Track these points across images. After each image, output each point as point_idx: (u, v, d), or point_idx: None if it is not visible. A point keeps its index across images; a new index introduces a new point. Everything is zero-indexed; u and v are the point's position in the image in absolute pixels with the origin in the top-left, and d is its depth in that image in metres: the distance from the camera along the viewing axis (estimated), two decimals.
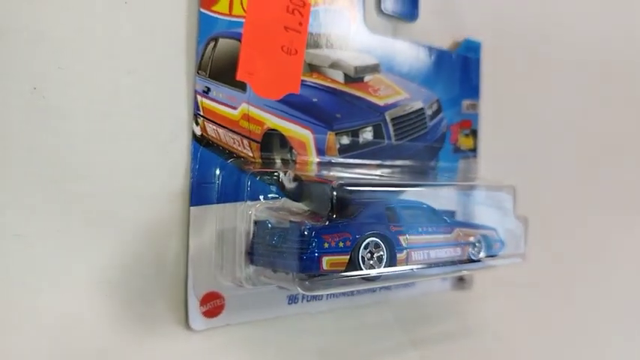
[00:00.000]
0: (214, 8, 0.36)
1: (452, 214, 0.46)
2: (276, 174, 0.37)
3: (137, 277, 0.35)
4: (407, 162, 0.47)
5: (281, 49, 0.39)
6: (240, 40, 0.37)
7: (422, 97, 0.48)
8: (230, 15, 0.36)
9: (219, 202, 0.37)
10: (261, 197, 0.37)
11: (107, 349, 0.33)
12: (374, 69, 0.45)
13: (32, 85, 0.30)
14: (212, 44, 0.36)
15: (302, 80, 0.40)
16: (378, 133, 0.45)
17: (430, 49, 0.48)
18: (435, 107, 0.49)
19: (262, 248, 0.35)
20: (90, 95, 0.32)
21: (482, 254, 0.42)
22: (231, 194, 0.37)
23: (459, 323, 0.48)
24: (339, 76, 0.43)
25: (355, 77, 0.43)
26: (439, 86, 0.49)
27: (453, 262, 0.40)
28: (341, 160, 0.42)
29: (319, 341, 0.41)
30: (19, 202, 0.31)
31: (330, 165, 0.42)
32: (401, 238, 0.36)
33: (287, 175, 0.36)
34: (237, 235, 0.36)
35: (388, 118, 0.45)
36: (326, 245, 0.32)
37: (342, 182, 0.33)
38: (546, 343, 0.50)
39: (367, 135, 0.44)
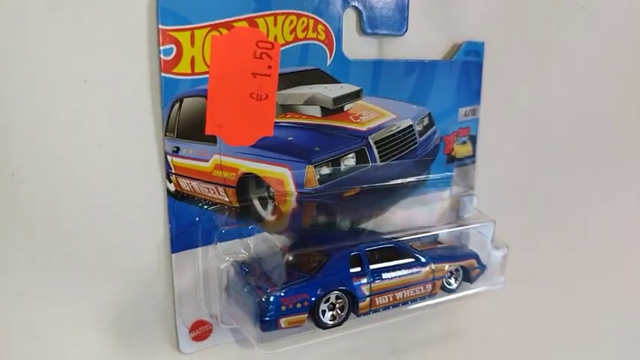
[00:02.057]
0: (175, 70, 0.35)
1: (434, 238, 0.46)
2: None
3: (131, 314, 0.39)
4: (391, 182, 0.46)
5: (250, 96, 0.38)
6: (205, 97, 0.37)
7: (411, 114, 0.46)
8: (193, 74, 0.36)
9: (199, 246, 0.39)
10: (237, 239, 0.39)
11: None
12: (355, 96, 0.43)
13: (10, 172, 0.33)
14: (177, 105, 0.36)
15: (275, 122, 0.40)
16: (361, 158, 0.44)
17: (418, 62, 0.45)
18: (426, 122, 0.47)
19: (235, 292, 0.38)
20: (65, 173, 0.34)
21: (455, 285, 0.43)
22: (209, 238, 0.39)
23: (446, 326, 0.50)
24: (315, 110, 0.41)
25: (334, 108, 0.42)
26: (431, 99, 0.46)
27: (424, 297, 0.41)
28: (320, 188, 0.43)
29: (303, 355, 0.44)
30: (20, 265, 0.35)
31: (308, 197, 0.42)
32: (363, 287, 0.37)
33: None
34: (215, 276, 0.39)
35: (372, 142, 0.44)
36: (283, 308, 0.34)
37: (293, 252, 0.35)
38: (534, 344, 0.51)
39: (349, 161, 0.44)
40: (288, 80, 0.40)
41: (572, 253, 0.56)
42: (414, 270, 0.40)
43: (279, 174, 0.41)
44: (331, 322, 0.37)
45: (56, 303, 0.36)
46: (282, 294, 0.34)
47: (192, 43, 0.35)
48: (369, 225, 0.47)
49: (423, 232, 0.43)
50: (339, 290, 0.36)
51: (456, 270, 0.43)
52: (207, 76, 0.36)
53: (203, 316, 0.41)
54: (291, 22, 0.38)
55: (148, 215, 0.37)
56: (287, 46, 0.38)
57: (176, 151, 0.37)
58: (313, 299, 0.35)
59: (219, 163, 0.38)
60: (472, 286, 0.43)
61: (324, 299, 0.36)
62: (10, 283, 0.35)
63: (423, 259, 0.40)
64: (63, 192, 0.34)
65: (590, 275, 0.55)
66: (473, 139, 0.50)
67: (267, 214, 0.42)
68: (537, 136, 0.53)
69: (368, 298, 0.37)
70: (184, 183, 0.38)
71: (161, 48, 0.34)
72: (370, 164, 0.44)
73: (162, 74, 0.35)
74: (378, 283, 0.38)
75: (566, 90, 0.53)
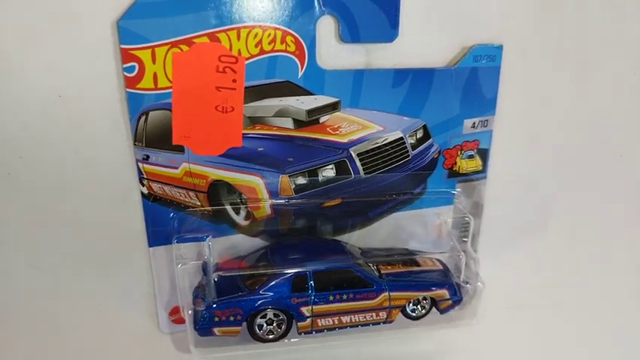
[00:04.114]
0: (139, 86, 0.38)
1: (408, 253, 0.44)
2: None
3: (120, 294, 0.45)
4: (378, 194, 0.44)
5: (215, 109, 0.39)
6: (170, 110, 0.39)
7: (401, 126, 0.43)
8: (156, 89, 0.38)
9: (172, 242, 0.43)
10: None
11: (102, 347, 0.45)
12: (331, 108, 0.41)
13: (6, 171, 0.39)
14: (143, 118, 0.39)
15: (244, 133, 0.41)
16: (342, 170, 0.43)
17: (410, 71, 0.41)
18: (420, 134, 0.44)
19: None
20: (47, 173, 0.39)
21: (417, 314, 0.41)
22: (183, 237, 0.43)
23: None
24: (287, 122, 0.41)
25: (308, 120, 0.41)
26: (427, 110, 0.42)
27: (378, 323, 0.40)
28: (296, 197, 0.43)
29: None
30: (28, 244, 0.42)
31: (283, 205, 0.43)
32: (303, 308, 0.38)
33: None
34: (181, 273, 0.43)
35: (354, 154, 0.43)
36: (216, 319, 0.37)
37: (222, 274, 0.36)
38: None
39: (328, 172, 0.43)
40: (257, 93, 0.40)
41: (597, 281, 0.49)
42: (366, 296, 0.39)
43: (251, 182, 0.42)
44: (268, 337, 0.38)
45: (57, 277, 0.43)
46: (215, 306, 0.37)
47: (154, 60, 0.37)
48: (352, 236, 0.46)
49: (393, 255, 0.42)
50: (274, 309, 0.37)
51: (424, 299, 0.41)
52: (170, 90, 0.38)
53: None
54: (256, 35, 0.38)
55: (124, 213, 0.42)
56: (253, 60, 0.38)
57: (146, 159, 0.40)
58: (246, 314, 0.37)
59: (188, 170, 0.41)
60: (442, 317, 0.41)
61: (261, 315, 0.38)
62: (21, 258, 0.43)
63: (379, 286, 0.39)
64: (49, 188, 0.40)
65: (614, 303, 0.48)
66: (483, 153, 0.45)
67: (240, 219, 0.44)
68: (561, 151, 0.46)
69: (309, 319, 0.38)
70: (156, 187, 0.41)
71: (123, 66, 0.37)
72: (353, 176, 0.43)
73: (127, 89, 0.38)
74: (321, 306, 0.38)
75: (598, 100, 0.45)
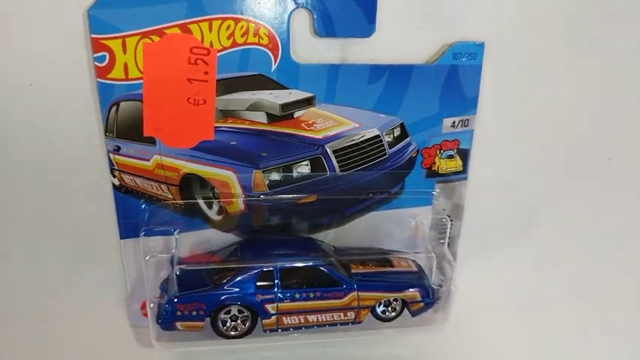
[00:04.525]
0: (110, 76, 0.37)
1: (383, 253, 0.43)
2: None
3: (91, 286, 0.45)
4: (355, 193, 0.44)
5: (187, 101, 0.39)
6: (141, 101, 0.39)
7: (377, 123, 0.42)
8: (127, 79, 0.38)
9: (143, 235, 0.43)
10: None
11: (72, 337, 0.45)
12: (306, 103, 0.41)
13: None
14: (114, 109, 0.39)
15: (216, 126, 0.40)
16: (317, 166, 0.42)
17: (386, 67, 0.40)
18: (397, 132, 0.43)
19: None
20: (18, 163, 0.39)
21: (387, 315, 0.40)
22: (152, 230, 0.42)
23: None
24: (261, 116, 0.41)
25: (282, 115, 0.41)
26: (405, 107, 0.42)
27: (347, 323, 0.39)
28: (270, 193, 0.43)
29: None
30: (4, 233, 0.43)
31: (256, 200, 0.43)
32: (268, 305, 0.37)
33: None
34: (149, 266, 0.42)
35: (329, 151, 0.42)
36: (179, 313, 0.36)
37: (184, 267, 0.36)
38: None
39: (303, 169, 0.42)
40: (229, 86, 0.39)
41: (582, 284, 0.48)
42: (334, 295, 0.38)
43: (224, 176, 0.42)
44: (232, 333, 0.38)
45: (29, 269, 0.44)
46: (176, 300, 0.36)
47: (125, 50, 0.37)
48: (329, 234, 0.46)
49: (367, 255, 0.41)
50: (238, 305, 0.37)
51: (395, 300, 0.40)
52: (141, 81, 0.38)
53: None
54: (228, 27, 0.38)
55: (96, 204, 0.42)
56: (225, 52, 0.38)
57: (117, 150, 0.40)
58: (209, 309, 0.37)
59: (159, 162, 0.41)
60: (413, 320, 0.40)
61: (225, 310, 0.37)
62: None
63: (348, 286, 0.39)
64: (19, 178, 0.40)
65: (601, 306, 0.47)
66: (463, 153, 0.44)
67: (213, 214, 0.43)
68: (545, 152, 0.45)
69: (274, 317, 0.38)
70: (128, 179, 0.41)
71: (94, 55, 0.37)
72: (328, 173, 0.43)
73: (98, 79, 0.38)
74: (287, 304, 0.37)
75: (585, 101, 0.44)
